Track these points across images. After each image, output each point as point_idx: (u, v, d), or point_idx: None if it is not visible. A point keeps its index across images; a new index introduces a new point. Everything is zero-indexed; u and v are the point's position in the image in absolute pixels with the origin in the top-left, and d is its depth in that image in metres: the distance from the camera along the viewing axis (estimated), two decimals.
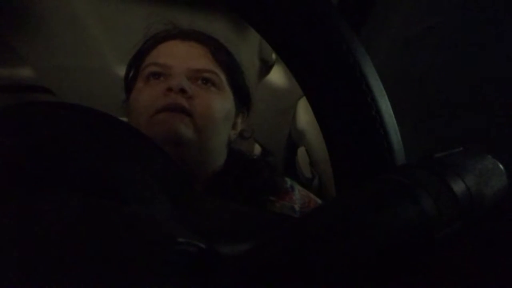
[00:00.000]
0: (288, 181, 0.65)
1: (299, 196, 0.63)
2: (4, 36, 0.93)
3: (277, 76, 1.02)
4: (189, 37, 0.62)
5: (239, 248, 0.20)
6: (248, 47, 0.94)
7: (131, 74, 0.66)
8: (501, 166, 0.25)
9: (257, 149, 1.08)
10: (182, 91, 0.55)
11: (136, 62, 0.64)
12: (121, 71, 0.99)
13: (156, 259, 0.18)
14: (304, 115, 1.01)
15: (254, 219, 0.31)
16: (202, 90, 0.58)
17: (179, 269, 0.19)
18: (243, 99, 0.66)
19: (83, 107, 0.28)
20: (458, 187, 0.21)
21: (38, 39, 0.93)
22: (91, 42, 0.95)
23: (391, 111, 0.28)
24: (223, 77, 0.61)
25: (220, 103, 0.59)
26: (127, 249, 0.18)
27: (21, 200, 0.20)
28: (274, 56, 0.98)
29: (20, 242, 0.18)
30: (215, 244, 0.20)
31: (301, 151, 1.01)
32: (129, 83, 0.65)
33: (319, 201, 0.67)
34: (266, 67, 1.00)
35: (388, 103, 0.28)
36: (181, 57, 0.59)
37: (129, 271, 0.17)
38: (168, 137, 0.53)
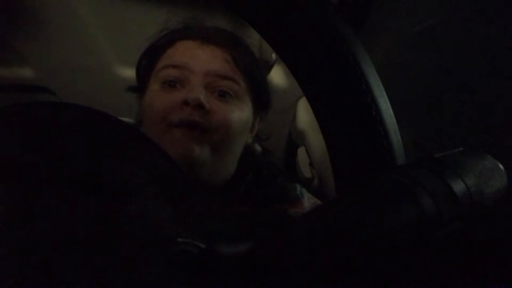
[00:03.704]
0: (298, 188, 0.64)
1: (308, 204, 0.62)
2: (4, 36, 0.92)
3: (277, 76, 1.02)
4: (210, 40, 0.58)
5: (239, 248, 0.20)
6: None
7: (143, 68, 0.62)
8: (501, 166, 0.25)
9: (257, 149, 1.07)
10: (200, 106, 0.52)
11: (151, 56, 0.61)
12: (121, 71, 0.99)
13: (156, 259, 0.18)
14: (304, 115, 1.01)
15: (254, 219, 0.31)
16: (220, 102, 0.55)
17: (179, 269, 0.19)
18: (262, 103, 0.64)
19: (83, 107, 0.28)
20: (458, 187, 0.21)
21: (38, 39, 0.93)
22: (91, 42, 0.95)
23: (391, 111, 0.28)
24: (243, 84, 0.58)
25: (239, 115, 0.57)
26: (127, 249, 0.18)
27: (21, 199, 0.20)
28: (274, 56, 0.97)
29: (20, 242, 0.18)
30: (215, 244, 0.20)
31: (301, 151, 1.01)
32: (142, 79, 0.62)
33: None
34: (266, 67, 1.00)
35: (388, 103, 0.28)
36: (200, 60, 0.56)
37: (129, 271, 0.17)
38: (182, 158, 0.51)
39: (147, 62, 0.62)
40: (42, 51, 0.96)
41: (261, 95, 0.63)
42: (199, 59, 0.57)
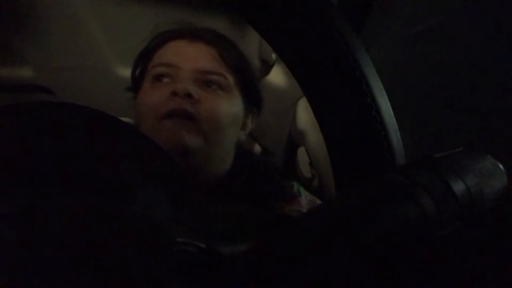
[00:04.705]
0: (295, 186, 0.65)
1: (306, 201, 0.63)
2: (4, 36, 0.93)
3: (277, 76, 1.02)
4: (198, 38, 0.61)
5: (239, 248, 0.20)
6: (248, 47, 0.94)
7: (138, 71, 0.65)
8: (501, 166, 0.25)
9: (257, 149, 1.07)
10: (188, 95, 0.54)
11: (144, 58, 0.64)
12: (121, 71, 0.99)
13: (156, 259, 0.18)
14: (304, 115, 1.01)
15: (254, 219, 0.31)
16: (209, 94, 0.57)
17: (179, 269, 0.19)
18: (252, 100, 0.65)
19: (83, 107, 0.28)
20: (458, 187, 0.21)
21: (38, 39, 0.93)
22: (91, 42, 0.95)
23: (391, 111, 0.28)
24: (231, 79, 0.60)
25: (227, 107, 0.58)
26: (127, 249, 0.18)
27: (20, 200, 0.20)
28: (274, 56, 0.97)
29: (20, 242, 0.18)
30: (215, 244, 0.20)
31: (301, 151, 1.01)
32: (136, 81, 0.65)
33: None
34: (266, 67, 1.00)
35: (388, 103, 0.28)
36: (188, 58, 0.58)
37: (129, 271, 0.17)
38: (174, 147, 0.53)
39: (141, 64, 0.65)
40: (42, 51, 0.96)
41: (250, 91, 0.64)
42: (187, 57, 0.59)
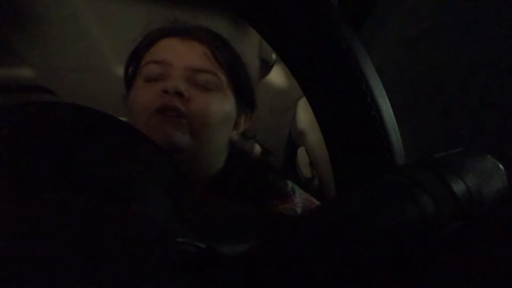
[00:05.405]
0: (290, 184, 0.65)
1: (300, 200, 0.62)
2: (4, 36, 0.93)
3: (277, 76, 1.02)
4: (190, 35, 0.61)
5: (239, 248, 0.20)
6: (248, 47, 0.94)
7: (130, 69, 0.65)
8: (501, 166, 0.25)
9: (257, 149, 1.08)
10: (179, 94, 0.54)
11: (135, 57, 0.64)
12: (121, 71, 0.99)
13: (155, 259, 0.18)
14: (304, 115, 1.01)
15: (254, 219, 0.31)
16: (200, 92, 0.57)
17: (179, 269, 0.19)
18: (245, 99, 0.65)
19: (83, 107, 0.28)
20: (458, 187, 0.21)
21: (38, 39, 0.93)
22: (91, 42, 0.95)
23: (391, 111, 0.28)
24: (223, 77, 0.60)
25: (219, 105, 0.58)
26: (126, 249, 0.18)
27: (21, 200, 0.20)
28: (274, 56, 0.97)
29: (20, 242, 0.18)
30: (215, 244, 0.20)
31: (301, 151, 1.01)
32: (129, 79, 0.65)
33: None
34: (266, 67, 1.00)
35: (388, 103, 0.28)
36: (180, 56, 0.58)
37: (128, 271, 0.17)
38: (163, 144, 0.52)
39: (133, 63, 0.65)
40: (42, 51, 0.96)
41: (243, 90, 0.64)
42: (179, 54, 0.58)
